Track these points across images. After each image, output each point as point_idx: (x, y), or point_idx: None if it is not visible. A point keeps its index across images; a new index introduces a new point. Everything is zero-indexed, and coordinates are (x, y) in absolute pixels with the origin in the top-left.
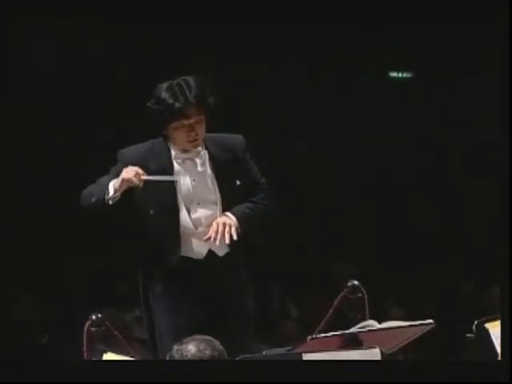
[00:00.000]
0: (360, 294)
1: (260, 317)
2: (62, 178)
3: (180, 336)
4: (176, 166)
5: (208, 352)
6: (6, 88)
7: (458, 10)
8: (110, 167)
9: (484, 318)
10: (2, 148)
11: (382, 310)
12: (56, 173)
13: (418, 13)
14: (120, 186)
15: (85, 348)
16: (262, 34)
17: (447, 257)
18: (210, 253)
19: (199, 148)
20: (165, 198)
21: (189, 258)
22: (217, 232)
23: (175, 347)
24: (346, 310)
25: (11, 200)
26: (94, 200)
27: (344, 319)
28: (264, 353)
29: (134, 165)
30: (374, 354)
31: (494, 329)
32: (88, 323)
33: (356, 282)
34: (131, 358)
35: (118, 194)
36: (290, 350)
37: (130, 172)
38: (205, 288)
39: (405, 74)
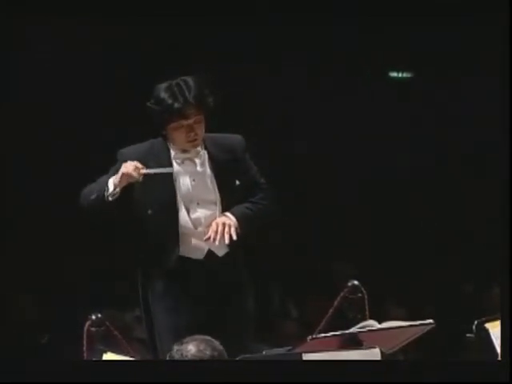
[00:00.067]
0: (360, 294)
1: (260, 317)
2: (62, 178)
3: (179, 336)
4: (175, 166)
5: (208, 352)
6: (5, 88)
7: (458, 9)
8: (110, 167)
9: (484, 318)
10: (2, 148)
11: (381, 310)
12: (56, 173)
13: (418, 13)
14: (120, 181)
15: (85, 348)
16: (261, 34)
17: (447, 257)
18: (210, 253)
19: (198, 148)
20: (164, 198)
21: (188, 258)
22: (216, 232)
23: (175, 347)
24: (346, 310)
25: (11, 200)
26: (93, 197)
27: (344, 319)
28: (264, 353)
29: None
30: (373, 354)
31: (494, 329)
32: (88, 323)
33: (356, 282)
34: (131, 358)
35: (117, 189)
36: (289, 349)
37: (129, 167)
38: (204, 288)
39: (405, 74)
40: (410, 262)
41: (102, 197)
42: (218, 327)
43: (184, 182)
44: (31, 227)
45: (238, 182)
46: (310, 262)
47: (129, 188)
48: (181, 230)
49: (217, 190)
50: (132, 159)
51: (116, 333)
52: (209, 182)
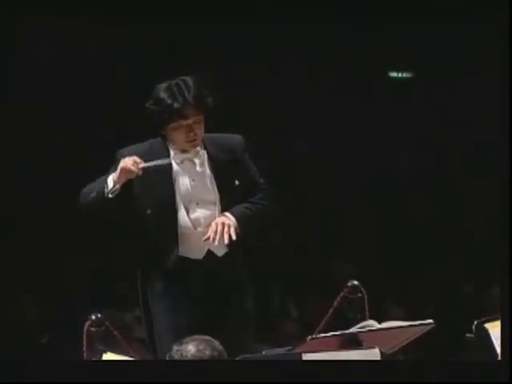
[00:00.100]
0: (360, 294)
1: (260, 317)
2: (62, 178)
3: (179, 336)
4: (175, 166)
5: (208, 352)
6: (6, 88)
7: (458, 9)
8: (110, 167)
9: (484, 318)
10: (2, 148)
11: (381, 310)
12: (56, 173)
13: (418, 13)
14: (119, 177)
15: (84, 348)
16: (261, 34)
17: (447, 257)
18: (209, 253)
19: (198, 148)
20: (163, 198)
21: (188, 258)
22: (216, 232)
23: (175, 347)
24: (345, 310)
25: (11, 200)
26: (93, 195)
27: (344, 319)
28: (264, 353)
29: None
30: (373, 354)
31: (494, 329)
32: (88, 323)
33: (356, 282)
34: (131, 358)
35: (117, 186)
36: (289, 349)
37: (127, 161)
38: (204, 288)
39: (405, 74)
40: (410, 262)
41: (101, 194)
42: (217, 327)
43: (183, 182)
44: (31, 227)
45: (237, 182)
46: (310, 262)
47: (128, 187)
48: (180, 230)
49: (216, 190)
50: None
51: (116, 333)
52: (208, 182)
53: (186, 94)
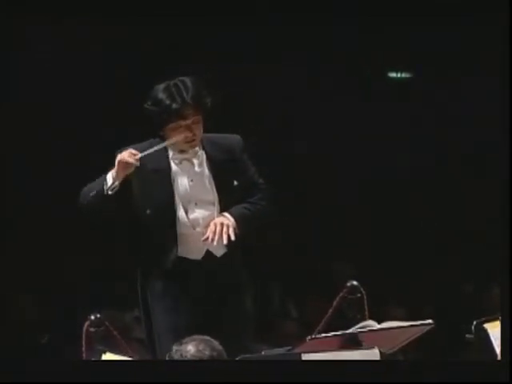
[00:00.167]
0: (359, 295)
1: (260, 317)
2: (62, 178)
3: (178, 336)
4: (173, 166)
5: (207, 352)
6: (6, 88)
7: (458, 9)
8: (110, 167)
9: (483, 319)
10: (2, 148)
11: (381, 310)
12: (56, 173)
13: (418, 13)
14: (117, 171)
15: (84, 348)
16: (261, 34)
17: (447, 257)
18: (208, 253)
19: (196, 148)
20: (162, 199)
21: (187, 258)
22: (214, 232)
23: (174, 348)
24: (345, 311)
25: (11, 200)
26: (93, 194)
27: (343, 319)
28: (263, 353)
29: None
30: (373, 354)
31: (493, 329)
32: (87, 323)
33: (355, 283)
34: (130, 359)
35: (116, 183)
36: (289, 350)
37: (123, 154)
38: (203, 288)
39: (405, 74)
40: (410, 262)
41: (101, 192)
42: (216, 327)
43: (182, 183)
44: (31, 227)
45: (236, 183)
46: (310, 262)
47: (128, 187)
48: (179, 231)
49: (215, 190)
50: None
51: (115, 333)
52: (207, 182)
53: (185, 94)
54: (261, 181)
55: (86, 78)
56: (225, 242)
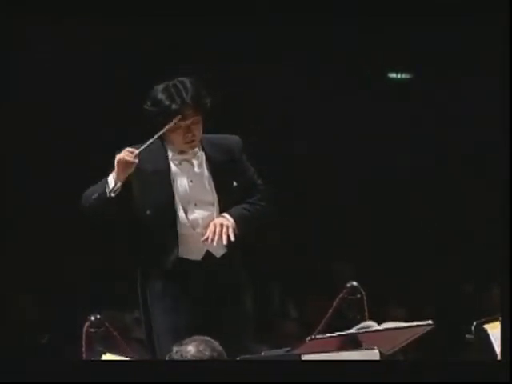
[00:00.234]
0: (359, 295)
1: (259, 317)
2: (62, 178)
3: (178, 337)
4: (173, 167)
5: (207, 353)
6: (6, 88)
7: (458, 9)
8: (110, 167)
9: (483, 319)
10: (2, 148)
11: (381, 311)
12: (56, 173)
13: (418, 13)
14: (117, 173)
15: (84, 349)
16: (261, 34)
17: (447, 257)
18: (208, 254)
19: (196, 149)
20: (162, 199)
21: (186, 258)
22: (214, 233)
23: (174, 348)
24: (345, 311)
25: (11, 200)
26: (95, 196)
27: (343, 320)
28: (263, 354)
29: None
30: (373, 355)
31: (493, 330)
32: (87, 324)
33: (355, 283)
34: (130, 359)
35: (118, 185)
36: (288, 351)
37: (121, 154)
38: (203, 289)
39: (405, 74)
40: (410, 262)
41: (103, 194)
42: (216, 328)
43: (181, 183)
44: (31, 227)
45: (235, 183)
46: (310, 262)
47: (128, 188)
48: (179, 231)
49: (214, 191)
50: None
51: (115, 334)
52: (206, 183)
53: (184, 94)
54: (260, 181)
55: (85, 77)
56: (224, 242)
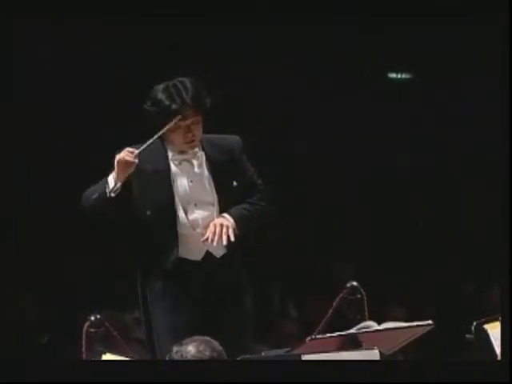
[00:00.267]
0: (359, 295)
1: (259, 317)
2: (62, 178)
3: (178, 337)
4: (173, 167)
5: (207, 353)
6: (6, 88)
7: (458, 9)
8: (110, 167)
9: (483, 319)
10: (2, 148)
11: (381, 311)
12: (56, 173)
13: (418, 13)
14: (117, 173)
15: (84, 349)
16: (261, 34)
17: (447, 257)
18: (208, 254)
19: (196, 149)
20: (162, 199)
21: (186, 259)
22: (214, 233)
23: (175, 348)
24: (345, 311)
25: (11, 200)
26: (95, 196)
27: (343, 320)
28: (263, 354)
29: None
30: (373, 355)
31: (493, 330)
32: (87, 324)
33: (355, 283)
34: (130, 359)
35: (118, 185)
36: (288, 351)
37: (121, 154)
38: (202, 289)
39: (405, 74)
40: (410, 262)
41: (104, 194)
42: (216, 328)
43: (181, 184)
44: (31, 227)
45: (235, 183)
46: (310, 262)
47: (128, 188)
48: (179, 232)
49: (214, 191)
50: None
51: (115, 334)
52: (206, 183)
53: (184, 94)
54: (260, 181)
55: (85, 77)
56: (224, 242)
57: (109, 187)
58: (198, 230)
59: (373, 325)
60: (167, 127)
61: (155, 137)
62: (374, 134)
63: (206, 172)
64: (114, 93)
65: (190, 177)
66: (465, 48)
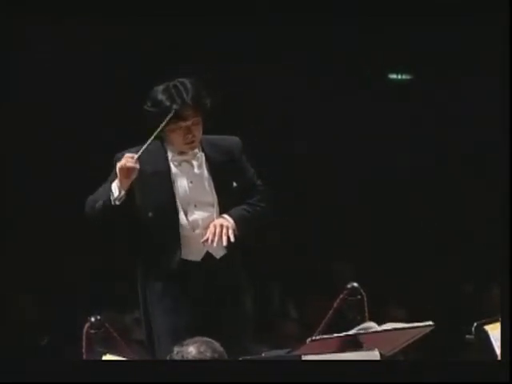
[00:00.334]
0: (359, 296)
1: (259, 318)
2: (62, 178)
3: (178, 338)
4: (173, 168)
5: (208, 354)
6: (6, 88)
7: (458, 9)
8: (110, 169)
9: (483, 320)
10: (2, 148)
11: (381, 311)
12: (56, 173)
13: (418, 13)
14: (120, 180)
15: (84, 350)
16: (261, 34)
17: (447, 257)
18: (208, 255)
19: (196, 150)
20: (163, 201)
21: (186, 259)
22: (214, 234)
23: (175, 349)
24: (345, 312)
25: (11, 200)
26: (100, 204)
27: (344, 321)
28: (263, 355)
29: None
30: (373, 356)
31: (494, 331)
32: (87, 325)
33: (355, 284)
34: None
35: (123, 193)
36: (288, 352)
37: (122, 162)
38: (202, 290)
39: (405, 74)
40: (410, 262)
41: (108, 202)
42: (216, 329)
43: (181, 184)
44: (31, 227)
45: (235, 184)
46: (310, 262)
47: (131, 193)
48: (181, 233)
49: (214, 191)
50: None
51: (115, 335)
52: (206, 184)
53: (185, 95)
54: (260, 182)
55: (86, 77)
56: (224, 243)
57: (113, 195)
58: (198, 231)
59: (373, 326)
60: (161, 127)
61: (152, 137)
62: (374, 133)
63: (205, 173)
64: (114, 93)
65: (189, 178)
66: (465, 48)
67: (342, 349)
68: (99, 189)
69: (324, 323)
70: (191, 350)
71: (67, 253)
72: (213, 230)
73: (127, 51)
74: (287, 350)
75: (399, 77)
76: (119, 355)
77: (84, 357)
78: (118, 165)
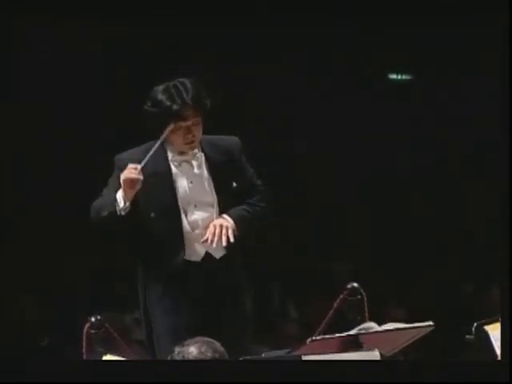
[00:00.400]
0: (359, 296)
1: (259, 318)
2: (62, 178)
3: (178, 338)
4: (173, 168)
5: (209, 354)
6: (6, 88)
7: (458, 9)
8: (110, 167)
9: (483, 320)
10: (2, 148)
11: (381, 311)
12: (56, 173)
13: (418, 13)
14: (125, 191)
15: (84, 350)
16: (261, 34)
17: (447, 257)
18: (207, 255)
19: (196, 150)
20: (164, 201)
21: (186, 260)
22: (214, 234)
23: (176, 349)
24: (345, 312)
25: (11, 200)
26: (106, 214)
27: (344, 321)
28: (263, 355)
29: None
30: (373, 356)
31: (494, 331)
32: (87, 326)
33: (355, 284)
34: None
35: (128, 203)
36: (289, 352)
37: (125, 173)
38: (202, 290)
39: (405, 74)
40: (410, 262)
41: (114, 212)
42: (216, 329)
43: (181, 185)
44: (31, 227)
45: (234, 184)
46: (310, 262)
47: (135, 201)
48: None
49: (214, 192)
50: (130, 163)
51: (115, 335)
52: (206, 184)
53: (185, 95)
54: (259, 182)
55: (86, 77)
56: (224, 243)
57: (118, 206)
58: (198, 231)
59: (373, 326)
60: (164, 134)
61: (156, 146)
62: (374, 133)
63: (205, 173)
64: (114, 93)
65: (189, 178)
66: (465, 48)
67: (343, 349)
68: (104, 192)
69: (324, 323)
70: (192, 350)
71: (67, 253)
72: (212, 230)
73: (127, 51)
74: (287, 350)
75: (399, 77)
76: (119, 355)
77: (84, 357)
78: (122, 176)
